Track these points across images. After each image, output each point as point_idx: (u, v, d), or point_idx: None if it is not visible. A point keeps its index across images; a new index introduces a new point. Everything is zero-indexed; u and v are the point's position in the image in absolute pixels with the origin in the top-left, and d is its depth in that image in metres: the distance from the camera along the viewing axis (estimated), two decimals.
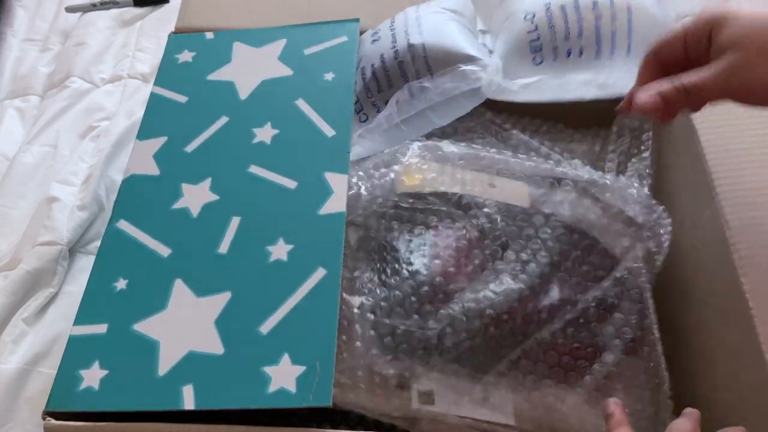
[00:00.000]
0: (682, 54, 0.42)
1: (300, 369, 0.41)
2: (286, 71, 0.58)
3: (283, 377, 0.41)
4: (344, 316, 0.47)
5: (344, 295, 0.48)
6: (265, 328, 0.44)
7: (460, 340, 0.46)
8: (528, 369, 0.47)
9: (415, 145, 0.55)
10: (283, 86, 0.57)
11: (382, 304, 0.47)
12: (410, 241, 0.50)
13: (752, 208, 0.48)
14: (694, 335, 0.52)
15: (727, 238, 0.47)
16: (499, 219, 0.51)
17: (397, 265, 0.49)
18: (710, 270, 0.50)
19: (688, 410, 0.40)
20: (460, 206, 0.51)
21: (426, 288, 0.47)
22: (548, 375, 0.47)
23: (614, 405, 0.40)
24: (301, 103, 0.55)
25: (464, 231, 0.50)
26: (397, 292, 0.47)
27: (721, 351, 0.48)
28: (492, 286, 0.47)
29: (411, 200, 0.51)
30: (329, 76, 0.57)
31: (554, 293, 0.48)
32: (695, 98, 0.41)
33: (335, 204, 0.49)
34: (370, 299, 0.48)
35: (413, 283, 0.48)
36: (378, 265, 0.49)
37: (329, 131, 0.53)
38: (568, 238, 0.50)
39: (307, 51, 0.59)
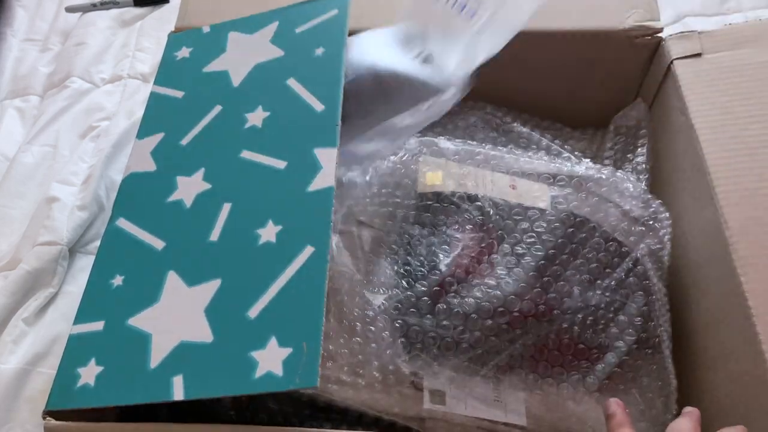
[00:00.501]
0: None
1: (287, 351, 0.40)
2: (277, 53, 0.57)
3: (270, 361, 0.40)
4: (359, 318, 0.47)
5: (366, 294, 0.48)
6: (253, 312, 0.42)
7: (474, 338, 0.46)
8: (540, 369, 0.47)
9: (413, 140, 0.55)
10: (274, 68, 0.56)
11: (398, 303, 0.47)
12: (428, 240, 0.50)
13: (752, 208, 0.48)
14: (694, 335, 0.52)
15: (727, 238, 0.47)
16: (515, 218, 0.51)
17: (412, 265, 0.49)
18: (710, 270, 0.50)
19: (688, 409, 0.40)
20: (477, 206, 0.51)
21: (439, 287, 0.48)
22: (561, 375, 0.47)
23: (615, 405, 0.40)
24: (292, 82, 0.54)
25: (480, 230, 0.50)
26: (412, 291, 0.48)
27: (721, 350, 0.48)
28: (503, 285, 0.48)
29: (430, 200, 0.52)
30: (319, 51, 0.55)
31: (566, 292, 0.49)
32: None
33: (324, 180, 0.47)
34: (388, 299, 0.48)
35: (428, 282, 0.48)
36: (395, 265, 0.49)
37: (318, 106, 0.52)
38: (581, 237, 0.51)
39: (299, 30, 0.58)
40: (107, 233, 0.49)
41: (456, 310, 0.47)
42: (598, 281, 0.49)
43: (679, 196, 0.55)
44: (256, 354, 0.41)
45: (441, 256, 0.49)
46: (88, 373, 0.42)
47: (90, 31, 0.89)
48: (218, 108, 0.54)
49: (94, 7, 0.92)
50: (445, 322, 0.46)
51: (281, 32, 0.58)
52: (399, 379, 0.46)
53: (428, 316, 0.47)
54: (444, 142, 0.55)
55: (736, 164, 0.50)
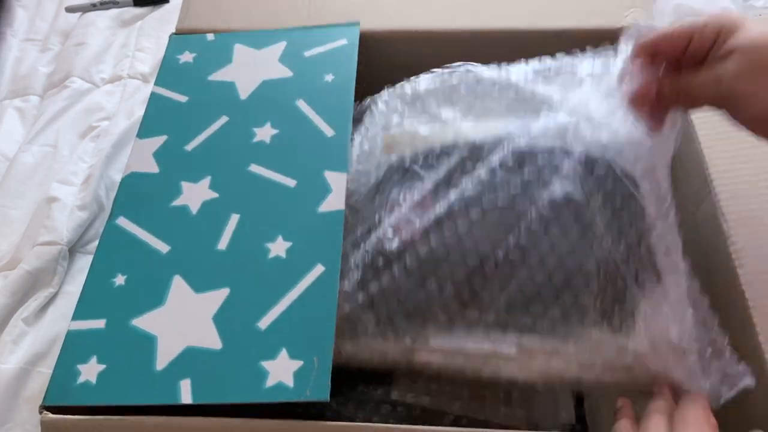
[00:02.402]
0: (680, 52, 0.41)
1: (298, 363, 0.42)
2: (286, 72, 0.58)
3: (281, 372, 0.41)
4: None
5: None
6: (264, 323, 0.44)
7: (447, 293, 0.44)
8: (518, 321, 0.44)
9: (384, 94, 0.54)
10: (283, 87, 0.57)
11: (357, 281, 0.46)
12: (380, 209, 0.48)
13: (749, 200, 0.48)
14: None
15: (724, 231, 0.47)
16: (469, 162, 0.47)
17: (361, 233, 0.48)
18: (707, 263, 0.49)
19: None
20: (431, 162, 0.48)
21: (386, 248, 0.45)
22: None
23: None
24: (301, 104, 0.56)
25: (430, 183, 0.47)
26: (366, 261, 0.46)
27: None
28: (459, 234, 0.44)
29: (388, 170, 0.50)
30: (329, 78, 0.57)
31: (529, 238, 0.44)
32: (685, 98, 0.41)
33: (334, 202, 0.49)
34: (350, 283, 0.47)
35: (374, 247, 0.46)
36: (352, 244, 0.48)
37: (329, 131, 0.54)
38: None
39: (308, 53, 0.59)
40: (107, 230, 0.50)
41: (412, 265, 0.44)
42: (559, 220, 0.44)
43: (677, 190, 0.55)
44: (266, 364, 0.42)
45: (388, 218, 0.47)
46: (89, 371, 0.43)
47: (90, 31, 0.89)
48: (225, 118, 0.55)
49: (94, 7, 0.92)
50: (413, 284, 0.44)
51: (289, 53, 0.60)
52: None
53: (387, 278, 0.45)
54: (421, 83, 0.53)
55: (734, 157, 0.50)
